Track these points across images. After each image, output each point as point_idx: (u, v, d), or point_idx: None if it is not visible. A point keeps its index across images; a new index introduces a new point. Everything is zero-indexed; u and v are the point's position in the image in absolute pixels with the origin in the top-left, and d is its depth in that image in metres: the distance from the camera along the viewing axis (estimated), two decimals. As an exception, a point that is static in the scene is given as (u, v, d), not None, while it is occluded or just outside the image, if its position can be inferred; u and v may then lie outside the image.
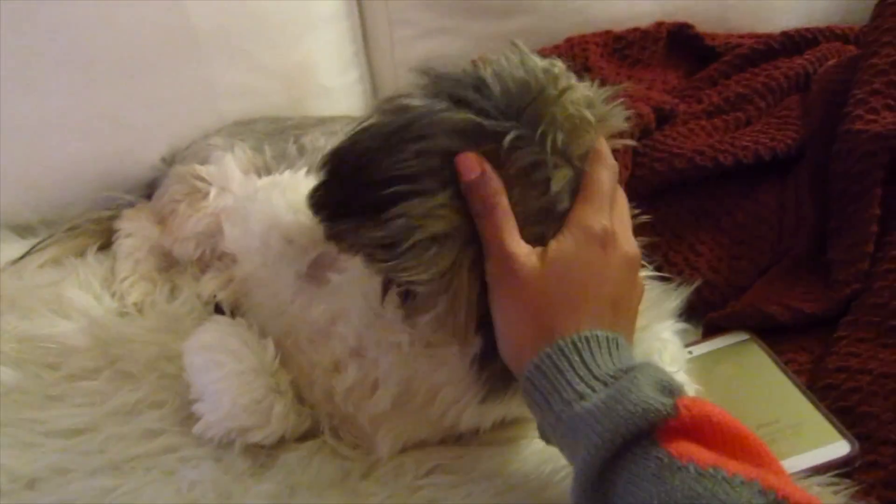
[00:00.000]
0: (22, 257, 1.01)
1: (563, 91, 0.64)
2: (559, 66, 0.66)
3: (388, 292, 0.65)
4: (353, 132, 0.65)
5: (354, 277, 0.72)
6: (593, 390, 0.55)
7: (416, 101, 0.64)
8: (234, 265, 0.91)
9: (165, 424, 0.78)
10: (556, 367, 0.57)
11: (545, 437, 0.64)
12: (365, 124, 0.65)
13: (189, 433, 0.76)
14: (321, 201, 0.65)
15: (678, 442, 0.51)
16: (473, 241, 0.61)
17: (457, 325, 0.64)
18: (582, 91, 0.66)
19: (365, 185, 0.62)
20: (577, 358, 0.57)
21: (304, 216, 0.75)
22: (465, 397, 0.70)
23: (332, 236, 0.64)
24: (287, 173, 0.83)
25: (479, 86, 0.63)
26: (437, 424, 0.75)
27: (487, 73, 0.64)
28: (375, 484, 0.72)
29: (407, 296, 0.64)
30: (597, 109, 0.66)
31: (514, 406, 0.72)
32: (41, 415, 0.79)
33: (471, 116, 0.62)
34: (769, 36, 1.23)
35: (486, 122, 0.61)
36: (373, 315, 0.71)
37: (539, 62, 0.65)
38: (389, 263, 0.60)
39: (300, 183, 0.80)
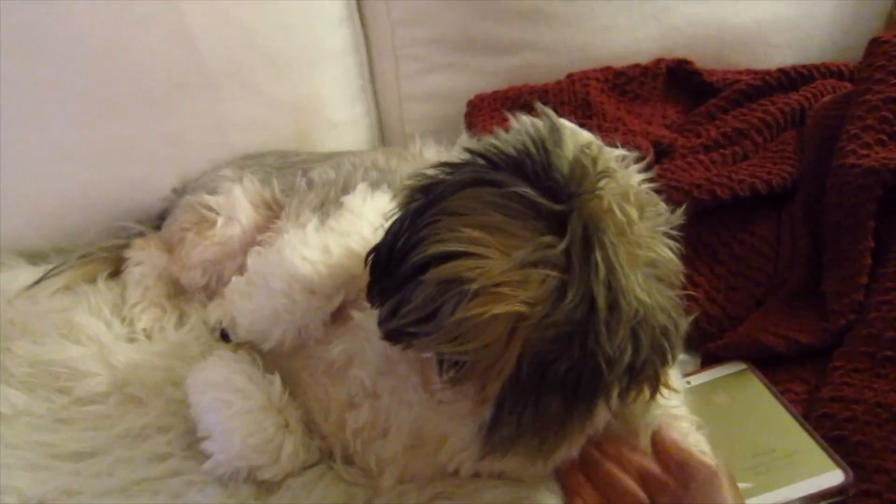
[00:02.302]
0: (36, 283, 1.03)
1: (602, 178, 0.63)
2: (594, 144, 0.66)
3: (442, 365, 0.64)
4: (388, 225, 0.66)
5: (375, 318, 0.72)
6: None
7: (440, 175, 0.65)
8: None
9: (172, 448, 0.80)
10: None
11: None
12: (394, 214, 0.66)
13: (195, 457, 0.78)
14: (371, 299, 0.67)
15: None
16: (525, 318, 0.59)
17: (481, 395, 0.63)
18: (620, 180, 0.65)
19: (401, 262, 0.62)
20: None
21: (321, 266, 0.77)
22: (470, 449, 0.72)
23: (386, 335, 0.65)
24: (292, 231, 0.84)
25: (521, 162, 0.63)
26: (441, 466, 0.76)
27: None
28: (378, 509, 0.73)
29: (454, 365, 0.63)
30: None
31: (511, 465, 0.74)
32: (51, 437, 0.81)
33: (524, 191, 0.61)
34: (766, 72, 1.26)
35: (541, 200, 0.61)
36: (386, 364, 0.73)
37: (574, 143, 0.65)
38: (433, 336, 0.60)
39: (309, 236, 0.80)
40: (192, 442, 0.79)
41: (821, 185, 1.01)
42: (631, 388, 0.66)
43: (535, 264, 0.59)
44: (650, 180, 0.70)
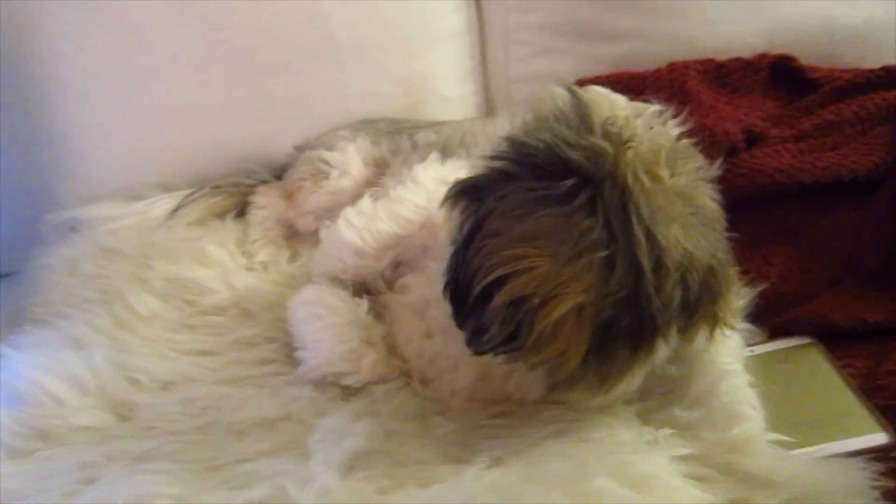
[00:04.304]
0: (173, 211, 1.19)
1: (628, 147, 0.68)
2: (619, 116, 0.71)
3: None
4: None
5: None
6: None
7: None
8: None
9: (276, 355, 0.92)
10: None
11: None
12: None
13: (294, 363, 0.90)
14: (458, 325, 0.74)
15: None
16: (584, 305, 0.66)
17: (559, 373, 0.70)
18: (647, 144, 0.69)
19: (468, 292, 0.69)
20: None
21: (365, 231, 0.90)
22: (535, 383, 0.80)
23: (476, 354, 0.73)
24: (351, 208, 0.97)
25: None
26: (507, 394, 0.84)
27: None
28: (446, 419, 0.83)
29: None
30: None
31: (573, 397, 0.80)
32: (178, 336, 0.95)
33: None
34: (870, 70, 1.26)
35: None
36: None
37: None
38: (518, 353, 0.69)
39: (363, 205, 0.94)
40: (292, 352, 0.91)
41: (910, 177, 1.03)
42: (690, 326, 0.73)
43: (579, 255, 0.65)
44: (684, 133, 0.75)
